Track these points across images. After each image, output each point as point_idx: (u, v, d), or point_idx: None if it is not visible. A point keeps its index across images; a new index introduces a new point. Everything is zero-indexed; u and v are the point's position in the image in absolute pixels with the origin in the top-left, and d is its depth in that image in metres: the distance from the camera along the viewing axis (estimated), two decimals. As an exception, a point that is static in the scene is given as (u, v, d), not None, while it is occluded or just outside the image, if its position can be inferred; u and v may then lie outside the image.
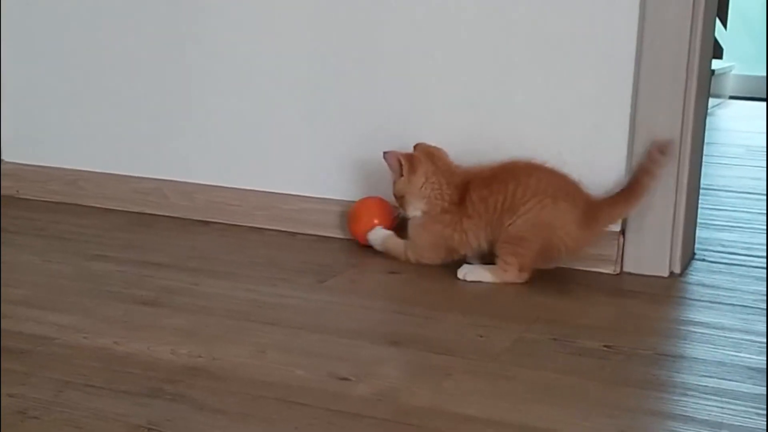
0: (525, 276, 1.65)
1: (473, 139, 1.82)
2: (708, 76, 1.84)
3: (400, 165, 1.71)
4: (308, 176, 1.97)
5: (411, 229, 1.76)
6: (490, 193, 1.67)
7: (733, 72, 5.49)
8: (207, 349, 1.31)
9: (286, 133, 1.98)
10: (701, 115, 1.80)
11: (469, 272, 1.67)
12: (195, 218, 2.04)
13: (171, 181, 2.07)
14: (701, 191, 2.65)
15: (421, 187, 1.71)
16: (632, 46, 1.70)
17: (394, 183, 1.74)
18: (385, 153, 1.73)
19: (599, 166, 1.72)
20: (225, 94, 2.02)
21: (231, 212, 2.02)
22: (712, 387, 1.24)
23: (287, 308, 1.51)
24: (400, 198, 1.74)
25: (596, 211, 1.66)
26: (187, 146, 2.07)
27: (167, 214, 2.06)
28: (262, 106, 1.99)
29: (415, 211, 1.73)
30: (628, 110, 1.73)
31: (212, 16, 2.00)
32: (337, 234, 1.93)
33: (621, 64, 1.72)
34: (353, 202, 1.92)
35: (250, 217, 2.01)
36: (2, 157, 2.21)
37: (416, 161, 1.72)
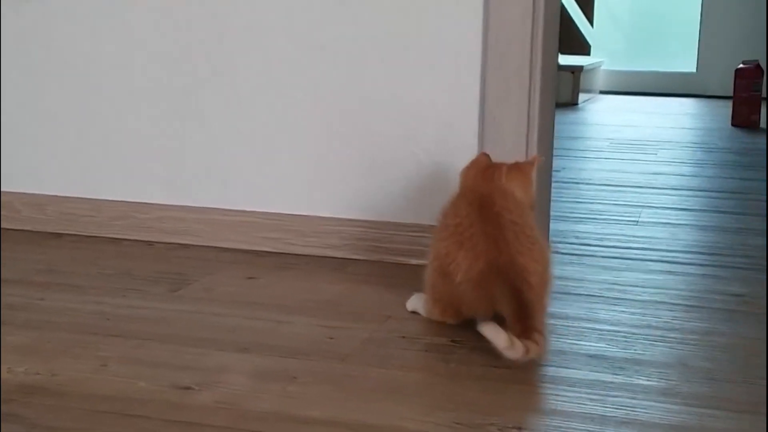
0: (448, 319, 1.44)
1: (327, 140, 1.83)
2: (554, 72, 1.89)
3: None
4: (165, 183, 1.94)
5: None
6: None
7: (603, 67, 5.68)
8: (46, 366, 1.28)
9: (140, 139, 1.94)
10: (548, 112, 1.85)
11: (410, 301, 1.53)
12: (47, 231, 1.99)
13: (22, 193, 2.01)
14: (563, 185, 2.73)
15: None
16: (478, 47, 1.74)
17: None
18: None
19: (452, 165, 1.74)
20: (73, 98, 1.96)
21: (85, 223, 1.97)
22: (550, 376, 1.27)
23: (135, 320, 1.48)
24: None
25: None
26: (37, 157, 2.00)
27: (18, 228, 2.00)
28: (113, 109, 1.95)
29: None
30: (476, 110, 1.76)
31: (57, 15, 1.94)
32: (196, 242, 1.91)
33: (467, 65, 1.75)
34: (211, 208, 1.90)
35: (106, 228, 1.96)
36: None
37: None
